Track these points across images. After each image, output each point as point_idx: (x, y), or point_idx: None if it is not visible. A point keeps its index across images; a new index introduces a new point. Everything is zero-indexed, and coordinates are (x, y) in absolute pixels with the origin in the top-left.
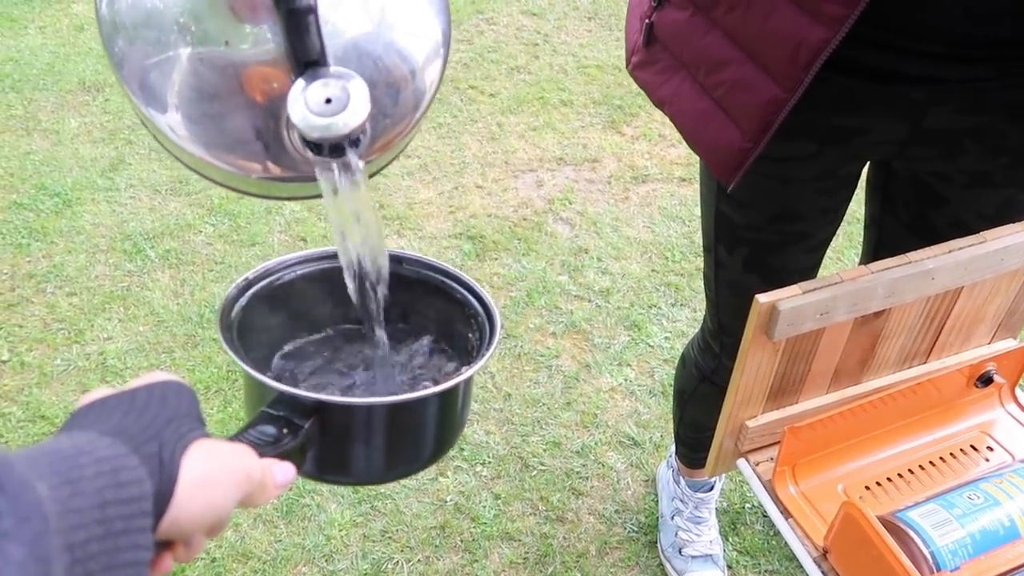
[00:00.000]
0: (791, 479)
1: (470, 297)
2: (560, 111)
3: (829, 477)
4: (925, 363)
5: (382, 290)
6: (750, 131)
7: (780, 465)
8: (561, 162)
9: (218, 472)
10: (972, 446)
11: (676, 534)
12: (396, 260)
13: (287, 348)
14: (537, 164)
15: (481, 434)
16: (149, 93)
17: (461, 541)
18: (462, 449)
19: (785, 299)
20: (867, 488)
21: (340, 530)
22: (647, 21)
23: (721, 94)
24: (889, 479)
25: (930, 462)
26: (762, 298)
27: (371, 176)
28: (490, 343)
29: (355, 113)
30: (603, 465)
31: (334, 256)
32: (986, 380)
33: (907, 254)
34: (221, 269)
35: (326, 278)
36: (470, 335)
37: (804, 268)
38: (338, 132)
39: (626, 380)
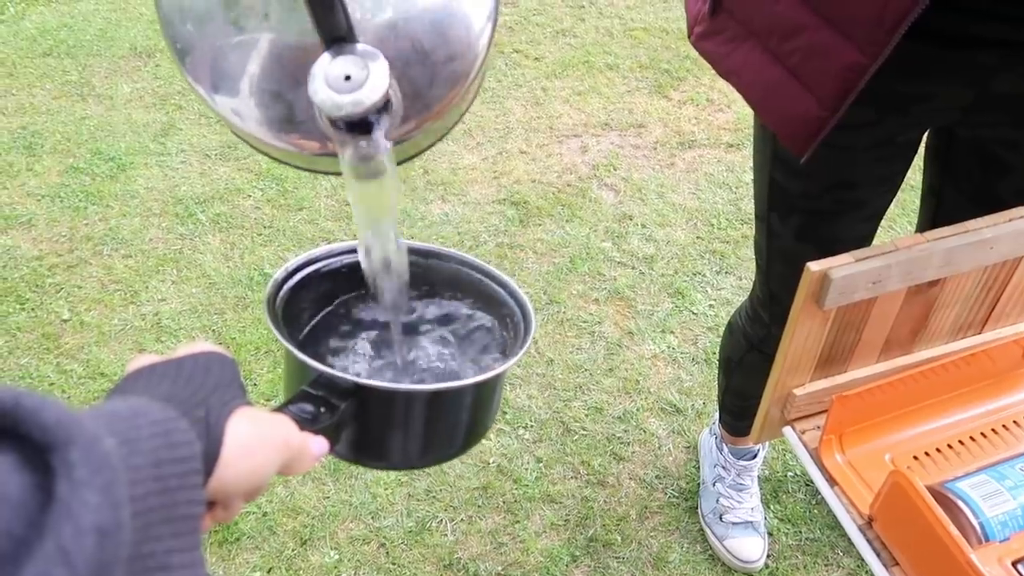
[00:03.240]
0: (838, 448)
1: (506, 296)
2: (606, 75)
3: (876, 447)
4: (979, 334)
5: (398, 281)
6: (826, 98)
7: (827, 433)
8: (606, 127)
9: (260, 438)
10: None
11: (717, 500)
12: (436, 255)
13: (325, 328)
14: (582, 129)
15: (523, 398)
16: (196, 67)
17: (503, 502)
18: (504, 413)
19: (837, 267)
20: (915, 458)
21: (386, 489)
22: None
23: (796, 62)
24: (938, 450)
25: (981, 434)
26: (814, 266)
27: (428, 148)
28: (524, 341)
29: (372, 91)
30: (644, 431)
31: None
32: None
33: (964, 223)
34: (269, 233)
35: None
36: (504, 333)
37: (858, 237)
38: (352, 109)
39: (669, 347)
